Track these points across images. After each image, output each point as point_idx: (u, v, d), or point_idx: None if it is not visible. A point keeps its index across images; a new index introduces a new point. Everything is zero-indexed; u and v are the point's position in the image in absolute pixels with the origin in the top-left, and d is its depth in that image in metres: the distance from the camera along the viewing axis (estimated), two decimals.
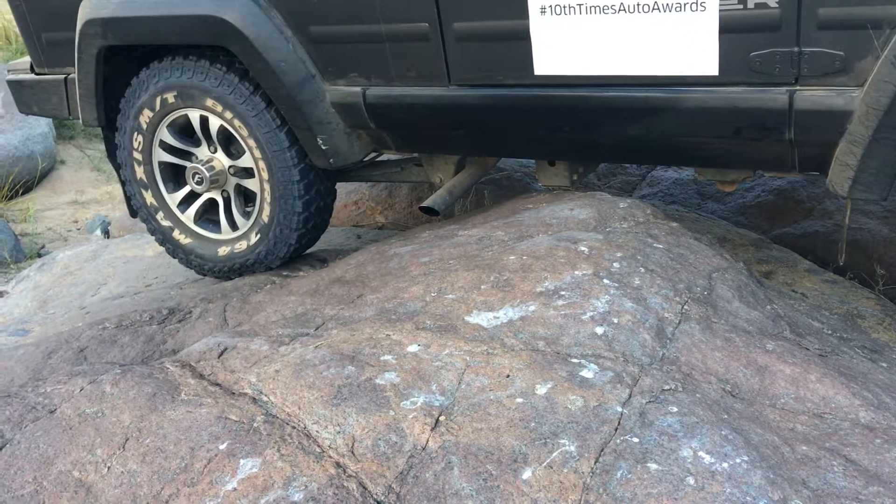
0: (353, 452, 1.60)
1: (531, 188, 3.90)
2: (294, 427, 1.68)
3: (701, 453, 1.49)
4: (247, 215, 3.13)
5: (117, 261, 4.22)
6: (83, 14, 3.00)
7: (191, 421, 1.74)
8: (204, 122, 3.01)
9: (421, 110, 2.72)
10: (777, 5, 2.05)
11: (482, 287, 2.12)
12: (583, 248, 2.24)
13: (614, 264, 2.16)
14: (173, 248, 3.31)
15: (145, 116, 3.07)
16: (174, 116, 3.05)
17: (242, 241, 3.14)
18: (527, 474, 1.49)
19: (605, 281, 2.07)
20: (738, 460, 1.48)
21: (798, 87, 2.13)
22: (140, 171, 3.20)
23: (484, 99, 2.59)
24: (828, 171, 2.21)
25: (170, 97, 2.99)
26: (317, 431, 1.66)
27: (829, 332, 2.24)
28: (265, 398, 1.79)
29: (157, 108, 3.03)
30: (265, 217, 3.04)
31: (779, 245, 3.21)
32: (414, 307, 2.12)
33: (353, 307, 2.26)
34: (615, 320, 1.93)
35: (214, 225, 3.22)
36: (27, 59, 3.52)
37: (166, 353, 2.52)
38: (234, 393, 1.84)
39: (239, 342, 2.11)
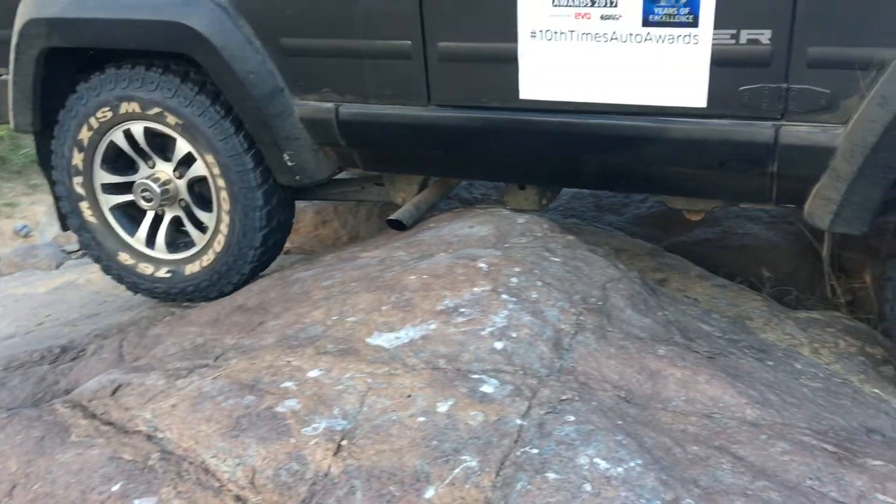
0: (253, 484, 1.57)
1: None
2: (191, 462, 1.64)
3: (597, 460, 1.54)
4: (204, 229, 3.00)
5: (7, 299, 4.01)
6: (24, 12, 2.81)
7: (81, 463, 1.67)
8: (148, 132, 2.88)
9: (397, 129, 2.65)
10: (769, 42, 2.09)
11: (383, 308, 2.12)
12: (482, 265, 2.27)
13: (512, 279, 2.20)
14: (111, 267, 3.15)
15: (94, 124, 2.90)
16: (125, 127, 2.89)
17: (201, 257, 3.02)
18: (430, 493, 1.50)
19: (504, 296, 2.11)
20: (632, 464, 1.53)
21: (784, 122, 2.16)
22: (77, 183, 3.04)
23: (465, 120, 2.54)
24: (804, 204, 2.26)
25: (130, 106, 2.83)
26: (215, 465, 1.62)
27: (719, 334, 2.34)
28: (161, 434, 1.74)
29: (109, 117, 2.87)
30: (222, 231, 2.93)
31: (672, 253, 3.33)
32: (315, 332, 2.10)
33: (254, 335, 2.22)
34: (514, 334, 1.96)
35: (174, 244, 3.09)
36: None
37: (59, 394, 2.42)
38: (127, 431, 1.78)
39: (134, 378, 2.04)
